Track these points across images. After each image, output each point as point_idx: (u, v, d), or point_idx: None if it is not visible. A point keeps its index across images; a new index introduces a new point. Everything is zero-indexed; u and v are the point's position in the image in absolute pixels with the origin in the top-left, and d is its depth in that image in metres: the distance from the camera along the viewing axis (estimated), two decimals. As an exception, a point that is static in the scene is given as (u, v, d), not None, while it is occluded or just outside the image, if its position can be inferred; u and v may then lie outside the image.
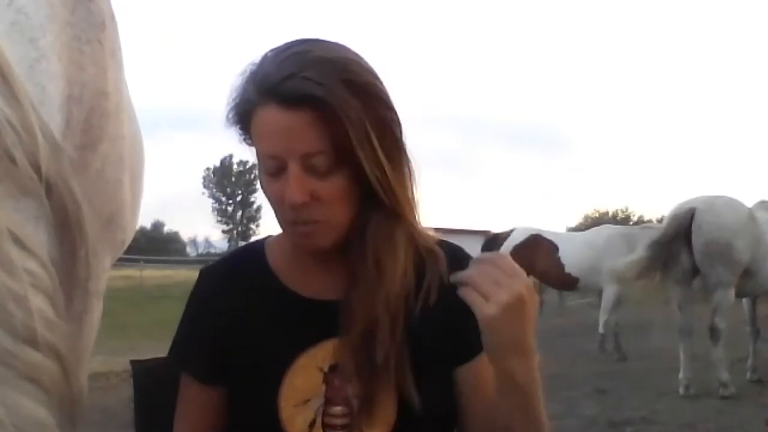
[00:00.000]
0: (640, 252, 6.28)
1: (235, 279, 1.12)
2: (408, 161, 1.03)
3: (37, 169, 0.59)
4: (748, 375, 6.70)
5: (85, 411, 1.06)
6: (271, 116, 0.96)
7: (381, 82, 1.02)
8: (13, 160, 0.58)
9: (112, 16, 1.02)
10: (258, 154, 1.01)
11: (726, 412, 5.48)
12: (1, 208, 0.56)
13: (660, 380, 6.27)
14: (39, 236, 0.60)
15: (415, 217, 1.05)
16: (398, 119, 1.02)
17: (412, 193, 1.04)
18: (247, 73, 1.01)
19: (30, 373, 0.52)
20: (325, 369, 1.04)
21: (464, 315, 0.95)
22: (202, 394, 1.10)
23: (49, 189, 0.61)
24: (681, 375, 6.05)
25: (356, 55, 1.02)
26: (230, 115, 1.03)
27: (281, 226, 1.05)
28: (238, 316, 1.08)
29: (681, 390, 6.01)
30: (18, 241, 0.55)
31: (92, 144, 0.96)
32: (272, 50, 1.01)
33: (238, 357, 1.06)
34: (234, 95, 1.02)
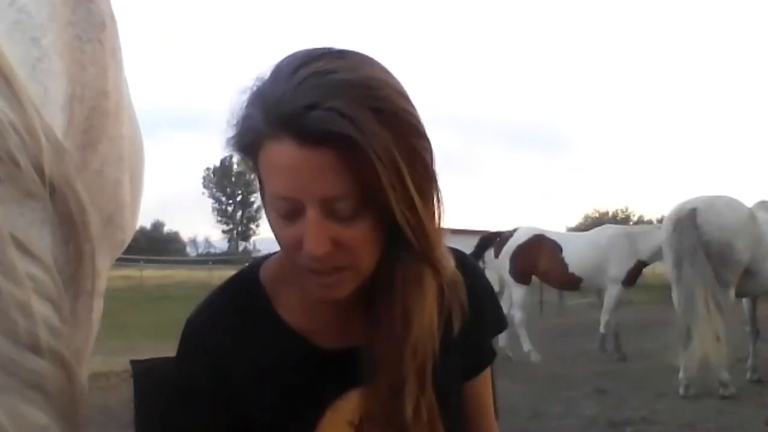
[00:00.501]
0: (671, 276, 6.19)
1: (239, 340, 0.96)
2: (438, 190, 0.90)
3: (40, 172, 0.59)
4: (748, 375, 6.70)
5: (87, 412, 1.06)
6: (287, 153, 0.81)
7: (412, 105, 0.88)
8: (16, 163, 0.57)
9: (112, 16, 1.02)
10: (267, 191, 0.87)
11: (726, 412, 5.48)
12: (5, 213, 0.55)
13: (660, 380, 6.27)
14: (43, 240, 0.59)
15: (442, 251, 0.92)
16: (430, 146, 0.89)
17: (440, 225, 0.91)
18: (255, 94, 0.86)
19: (33, 381, 0.52)
20: (356, 421, 0.96)
21: (479, 332, 0.92)
22: None
23: (53, 191, 0.60)
24: (681, 375, 6.05)
25: (383, 71, 0.88)
26: (232, 141, 0.88)
27: (294, 268, 0.90)
28: (247, 385, 0.96)
29: (681, 390, 6.01)
30: (21, 246, 0.55)
31: (92, 144, 0.96)
32: (284, 65, 0.85)
33: (257, 418, 0.96)
34: (237, 118, 0.87)
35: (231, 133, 0.88)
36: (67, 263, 0.63)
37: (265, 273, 1.02)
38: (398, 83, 0.88)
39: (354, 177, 0.81)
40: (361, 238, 0.85)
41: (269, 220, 0.90)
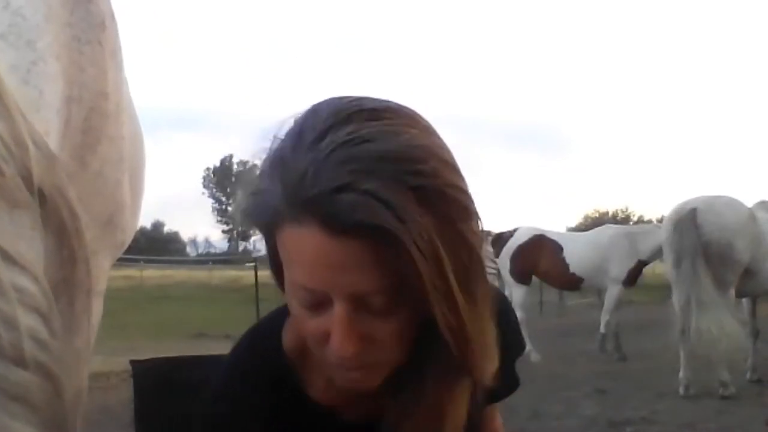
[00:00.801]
0: (671, 276, 6.18)
1: (266, 427, 0.88)
2: (485, 283, 0.77)
3: (29, 181, 0.58)
4: (748, 375, 6.71)
5: (84, 409, 1.06)
6: (311, 242, 0.70)
7: (460, 176, 0.75)
8: (2, 173, 0.56)
9: (112, 16, 1.01)
10: (287, 276, 0.76)
11: (726, 412, 5.48)
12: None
13: (660, 380, 6.28)
14: (33, 250, 0.58)
15: (486, 354, 0.79)
16: (479, 230, 0.76)
17: (488, 328, 0.78)
18: (273, 160, 0.74)
19: (18, 394, 0.50)
20: None
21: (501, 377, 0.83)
22: None
23: (44, 200, 0.59)
24: (681, 375, 6.06)
25: (428, 133, 0.75)
26: (247, 212, 0.77)
27: (318, 357, 0.80)
28: None
29: (681, 390, 6.02)
30: (8, 257, 0.54)
31: (91, 145, 0.96)
32: (308, 126, 0.72)
33: None
34: (253, 188, 0.76)
35: (247, 202, 0.77)
36: (61, 269, 0.62)
37: (288, 340, 0.90)
38: (445, 148, 0.75)
39: (389, 271, 0.70)
40: (395, 333, 0.75)
41: (289, 304, 0.79)
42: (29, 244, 0.58)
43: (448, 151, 0.75)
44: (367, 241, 0.68)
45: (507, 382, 0.95)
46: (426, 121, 0.76)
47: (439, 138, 0.75)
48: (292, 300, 0.77)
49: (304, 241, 0.70)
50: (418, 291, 0.70)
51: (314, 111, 0.74)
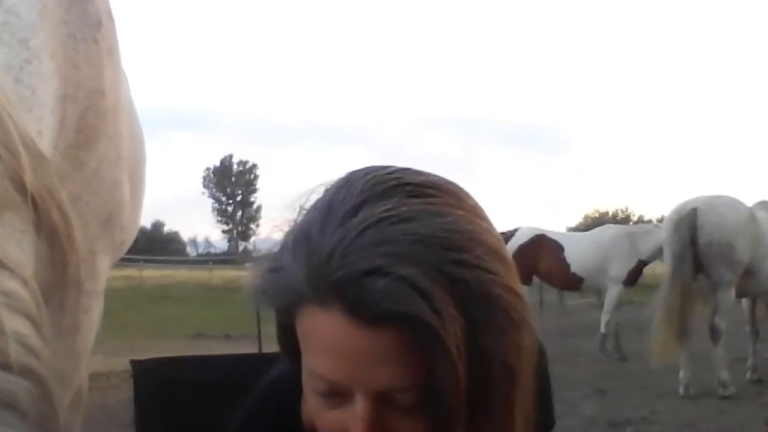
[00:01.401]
0: (667, 276, 6.16)
1: None
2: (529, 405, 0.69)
3: (19, 183, 0.57)
4: (748, 375, 6.71)
5: (84, 409, 1.06)
6: (335, 330, 0.63)
7: (512, 274, 0.68)
8: None
9: (110, 15, 1.01)
10: (304, 361, 0.69)
11: (726, 412, 5.48)
12: None
13: (660, 380, 6.27)
14: (22, 253, 0.58)
15: None
16: (530, 352, 0.69)
17: None
18: (297, 236, 0.66)
19: (5, 399, 0.50)
20: None
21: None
22: None
23: (35, 203, 0.59)
24: (681, 375, 6.05)
25: (474, 214, 0.67)
26: (265, 291, 0.68)
27: None
28: None
29: (681, 390, 6.01)
30: None
31: (88, 143, 0.96)
32: (339, 199, 0.65)
33: None
34: (272, 265, 0.68)
35: (263, 279, 0.68)
36: (53, 270, 0.61)
37: (307, 414, 0.76)
38: (495, 235, 0.67)
39: (420, 369, 0.63)
40: (419, 430, 0.66)
41: (305, 391, 0.71)
42: (19, 246, 0.57)
43: (498, 239, 0.67)
44: (397, 333, 0.61)
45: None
46: (474, 201, 0.68)
47: (488, 222, 0.68)
48: (308, 388, 0.69)
49: (327, 329, 0.63)
50: (449, 398, 0.63)
51: (348, 181, 0.67)
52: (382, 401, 0.64)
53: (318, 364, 0.65)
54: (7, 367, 0.50)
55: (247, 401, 0.86)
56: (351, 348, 0.62)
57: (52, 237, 0.61)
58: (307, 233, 0.65)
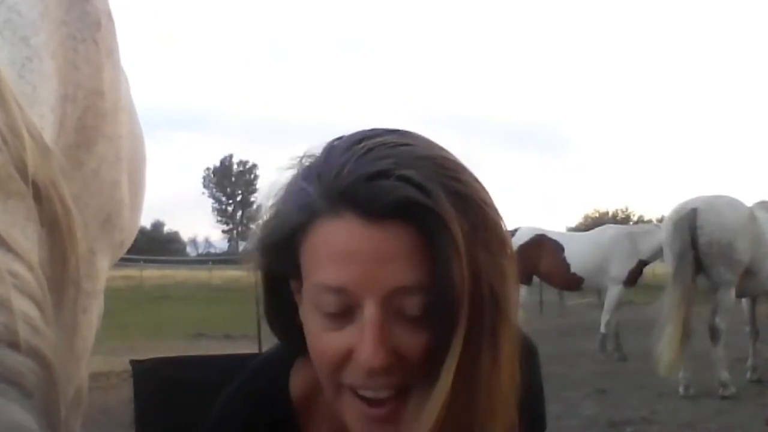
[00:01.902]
0: (671, 278, 6.16)
1: None
2: (512, 335, 0.71)
3: (23, 171, 0.57)
4: (748, 375, 6.71)
5: (84, 409, 1.06)
6: (347, 232, 0.66)
7: (497, 211, 0.72)
8: None
9: (109, 16, 1.01)
10: (310, 283, 0.70)
11: (726, 412, 5.48)
12: None
13: (660, 380, 6.27)
14: (27, 240, 0.57)
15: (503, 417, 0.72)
16: (515, 279, 0.71)
17: (511, 387, 0.72)
18: (304, 171, 0.71)
19: (11, 377, 0.50)
20: None
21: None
22: None
23: (38, 192, 0.59)
24: (681, 375, 6.05)
25: (460, 160, 0.72)
26: (269, 226, 0.73)
27: (332, 392, 0.72)
28: None
29: (681, 390, 6.01)
30: (3, 243, 0.53)
31: (87, 144, 0.96)
32: (341, 141, 0.71)
33: None
34: (276, 201, 0.72)
35: (270, 213, 0.73)
36: (53, 262, 0.61)
37: (295, 385, 0.82)
38: (477, 177, 0.72)
39: (429, 263, 0.66)
40: (422, 351, 0.68)
41: (306, 326, 0.73)
42: (23, 233, 0.57)
43: (482, 182, 0.72)
44: (407, 230, 0.65)
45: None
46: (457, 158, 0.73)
47: (470, 171, 0.72)
48: (311, 315, 0.71)
49: (340, 235, 0.66)
50: (453, 303, 0.65)
51: (340, 136, 0.72)
52: (389, 311, 0.67)
53: (330, 274, 0.67)
54: (15, 346, 0.50)
55: (239, 378, 0.87)
56: (364, 249, 0.65)
57: (53, 230, 0.61)
58: (313, 165, 0.70)
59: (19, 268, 0.54)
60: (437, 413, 0.67)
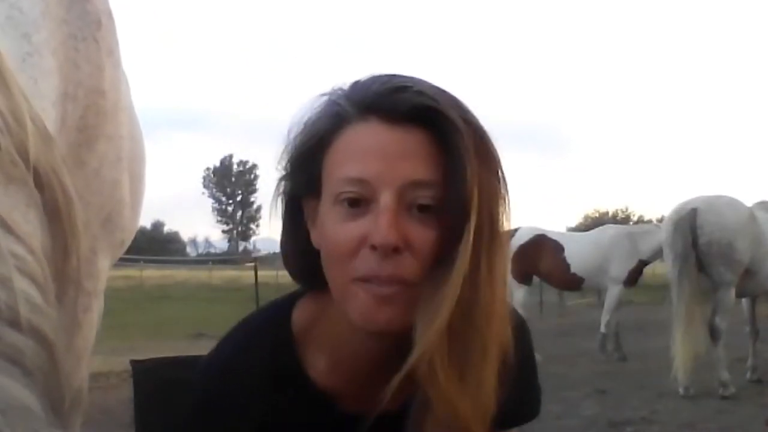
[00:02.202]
0: (674, 275, 6.15)
1: (262, 406, 0.87)
2: (505, 263, 0.79)
3: (24, 156, 0.56)
4: (748, 375, 6.70)
5: (84, 409, 1.06)
6: (373, 133, 0.76)
7: (491, 139, 0.81)
8: None
9: (110, 15, 1.01)
10: (333, 180, 0.78)
11: (726, 412, 5.48)
12: None
13: (660, 380, 6.27)
14: (28, 224, 0.57)
15: (500, 328, 0.78)
16: (503, 217, 0.79)
17: (503, 305, 0.79)
18: (332, 94, 0.82)
19: (12, 355, 0.49)
20: None
21: (514, 396, 0.82)
22: None
23: (39, 179, 0.58)
24: (681, 375, 6.04)
25: None
26: (297, 142, 0.82)
27: (341, 287, 0.78)
28: None
29: (681, 390, 6.01)
30: (4, 225, 0.53)
31: (88, 143, 0.96)
32: (364, 77, 0.81)
33: None
34: (308, 117, 0.82)
35: (300, 126, 0.82)
36: (54, 253, 0.60)
37: (297, 323, 0.89)
38: None
39: (442, 165, 0.75)
40: (430, 245, 0.75)
41: (323, 229, 0.79)
42: (25, 218, 0.56)
43: None
44: (424, 133, 0.75)
45: (527, 404, 0.95)
46: None
47: None
48: (330, 211, 0.78)
49: (365, 135, 0.77)
50: (461, 202, 0.74)
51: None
52: (402, 204, 0.75)
53: (354, 168, 0.76)
54: (15, 324, 0.50)
55: (240, 326, 0.94)
56: (385, 147, 0.75)
57: (54, 220, 0.60)
58: (340, 90, 0.81)
59: (20, 250, 0.53)
60: (450, 309, 0.73)
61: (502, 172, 0.80)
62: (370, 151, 0.76)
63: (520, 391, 0.86)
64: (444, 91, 0.79)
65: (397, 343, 0.77)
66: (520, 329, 0.88)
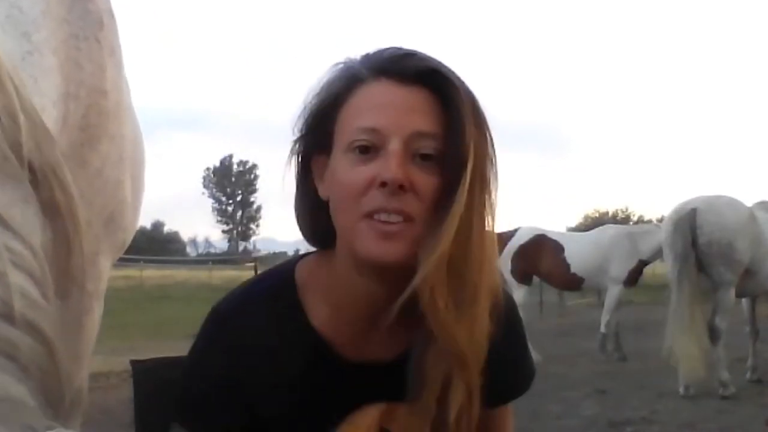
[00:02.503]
0: (673, 275, 6.15)
1: (264, 343, 0.93)
2: (484, 224, 0.89)
3: (18, 152, 0.55)
4: (748, 375, 6.70)
5: (84, 409, 1.06)
6: (384, 90, 0.87)
7: (484, 112, 0.91)
8: None
9: (111, 14, 1.01)
10: (347, 131, 0.88)
11: (726, 412, 5.48)
12: None
13: (660, 380, 6.27)
14: (26, 221, 0.55)
15: (487, 275, 0.89)
16: (491, 173, 0.89)
17: (490, 248, 0.89)
18: (347, 60, 0.93)
19: (5, 350, 0.48)
20: None
21: (505, 365, 0.94)
22: None
23: (35, 176, 0.56)
24: (681, 375, 6.04)
25: None
26: (314, 101, 0.92)
27: (350, 225, 0.87)
28: (265, 392, 0.93)
29: (681, 390, 6.01)
30: (1, 221, 0.52)
31: (91, 142, 0.96)
32: (373, 49, 0.93)
33: (273, 424, 0.94)
34: (324, 80, 0.92)
35: (318, 86, 0.93)
36: (56, 252, 0.59)
37: (300, 274, 0.98)
38: None
39: (443, 120, 0.86)
40: (431, 190, 0.85)
41: (335, 176, 0.88)
42: (22, 215, 0.55)
43: None
44: (429, 93, 0.86)
45: (518, 379, 1.05)
46: None
47: None
48: (344, 159, 0.87)
49: (378, 92, 0.87)
50: (459, 153, 0.84)
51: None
52: (408, 152, 0.85)
53: (367, 118, 0.86)
54: (9, 318, 0.49)
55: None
56: (394, 102, 0.86)
57: (53, 216, 0.59)
58: (355, 58, 0.93)
59: (17, 246, 0.52)
60: (449, 243, 0.83)
61: (491, 135, 0.89)
62: (381, 105, 0.86)
63: (511, 362, 0.98)
64: (444, 63, 0.90)
65: (394, 291, 0.86)
66: (509, 299, 0.99)
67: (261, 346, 0.93)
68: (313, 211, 0.95)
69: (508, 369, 0.96)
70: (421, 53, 0.89)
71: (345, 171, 0.86)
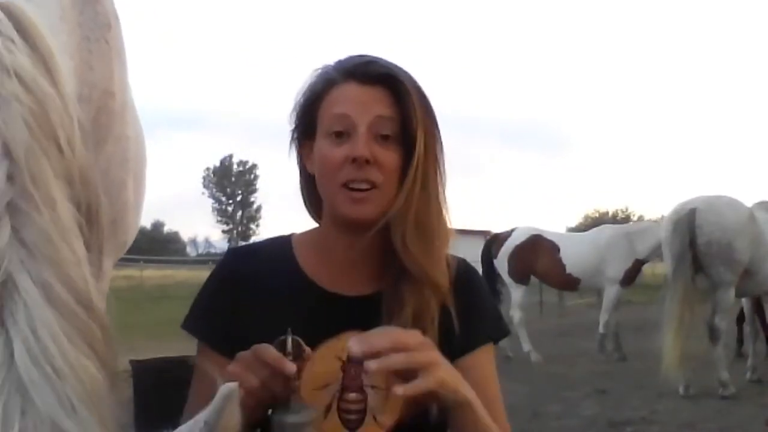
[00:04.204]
0: (669, 275, 6.16)
1: (261, 262, 1.19)
2: (443, 187, 1.16)
3: (72, 154, 0.62)
4: (748, 375, 6.71)
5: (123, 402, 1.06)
6: (351, 90, 1.12)
7: (433, 107, 1.17)
8: (59, 147, 0.60)
9: (116, 16, 1.02)
10: (326, 117, 1.13)
11: (726, 412, 5.49)
12: (62, 203, 0.59)
13: (660, 380, 6.28)
14: (75, 258, 0.64)
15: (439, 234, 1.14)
16: (440, 147, 1.16)
17: (444, 216, 1.15)
18: (325, 67, 1.17)
19: (87, 336, 0.57)
20: (343, 358, 1.05)
21: (468, 308, 1.15)
22: (219, 363, 1.06)
23: (73, 178, 0.63)
24: (681, 375, 6.05)
25: None
26: (301, 99, 1.17)
27: (331, 193, 1.12)
28: (260, 297, 1.14)
29: (681, 390, 6.01)
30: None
31: (98, 144, 0.96)
32: (344, 57, 1.17)
33: (257, 334, 1.04)
34: (308, 83, 1.17)
35: (302, 88, 1.17)
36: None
37: (295, 237, 1.25)
38: None
39: (398, 108, 1.10)
40: (391, 163, 1.10)
41: (319, 156, 1.13)
42: (71, 247, 0.63)
43: None
44: (386, 90, 1.11)
45: (487, 319, 1.22)
46: None
47: None
48: (325, 141, 1.12)
49: (347, 90, 1.12)
50: (412, 131, 1.09)
51: None
52: (372, 134, 1.09)
53: (337, 108, 1.11)
54: (89, 308, 0.61)
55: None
56: (360, 96, 1.11)
57: (86, 212, 0.65)
58: (330, 63, 1.17)
59: (52, 280, 0.60)
60: (411, 198, 1.10)
61: (436, 121, 1.16)
62: (350, 99, 1.11)
63: (476, 306, 1.19)
64: (402, 68, 1.15)
65: (366, 242, 1.13)
66: (462, 259, 1.24)
67: (259, 269, 1.17)
68: (309, 186, 1.21)
69: (473, 310, 1.17)
70: (382, 60, 1.15)
71: (325, 151, 1.11)
